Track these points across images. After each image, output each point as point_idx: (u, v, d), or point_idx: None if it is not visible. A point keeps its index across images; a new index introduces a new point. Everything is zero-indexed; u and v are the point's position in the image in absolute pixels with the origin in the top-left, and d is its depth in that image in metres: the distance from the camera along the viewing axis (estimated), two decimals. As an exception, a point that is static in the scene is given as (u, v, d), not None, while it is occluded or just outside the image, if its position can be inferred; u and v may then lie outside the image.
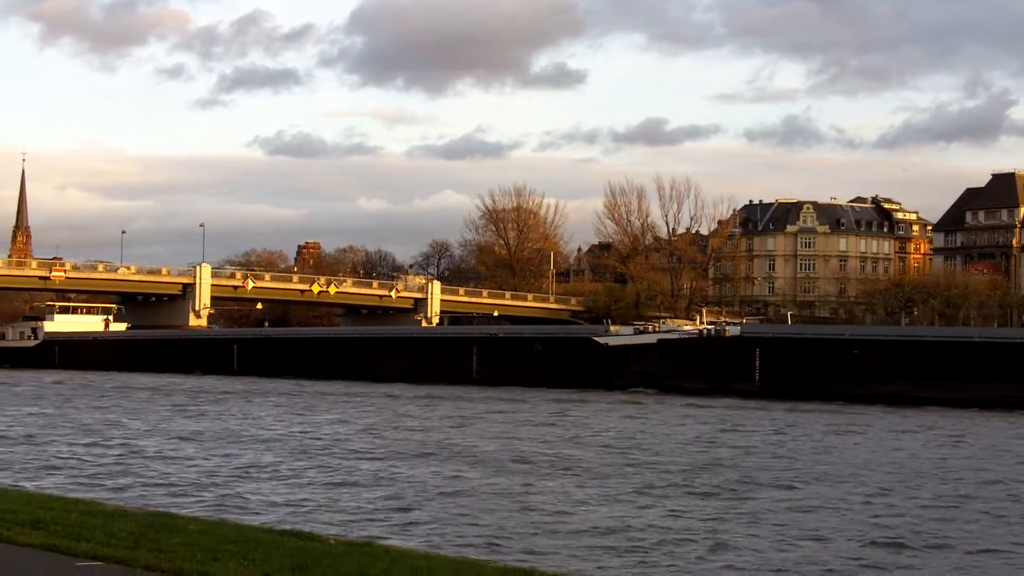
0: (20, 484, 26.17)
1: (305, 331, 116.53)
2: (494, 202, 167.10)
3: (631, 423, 48.52)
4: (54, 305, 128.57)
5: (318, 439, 38.52)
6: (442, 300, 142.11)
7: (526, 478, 28.55)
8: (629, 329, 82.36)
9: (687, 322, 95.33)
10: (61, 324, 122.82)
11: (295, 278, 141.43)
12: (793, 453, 36.58)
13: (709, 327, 78.34)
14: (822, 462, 34.21)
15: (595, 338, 78.08)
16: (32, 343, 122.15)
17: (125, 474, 29.14)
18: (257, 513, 23.06)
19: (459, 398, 62.62)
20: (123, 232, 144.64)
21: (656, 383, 71.06)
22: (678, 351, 73.72)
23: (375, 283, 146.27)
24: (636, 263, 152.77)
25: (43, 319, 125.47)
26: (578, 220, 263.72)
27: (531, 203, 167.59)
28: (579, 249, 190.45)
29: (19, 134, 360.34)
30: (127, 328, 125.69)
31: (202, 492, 25.99)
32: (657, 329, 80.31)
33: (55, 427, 42.02)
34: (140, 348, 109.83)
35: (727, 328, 76.68)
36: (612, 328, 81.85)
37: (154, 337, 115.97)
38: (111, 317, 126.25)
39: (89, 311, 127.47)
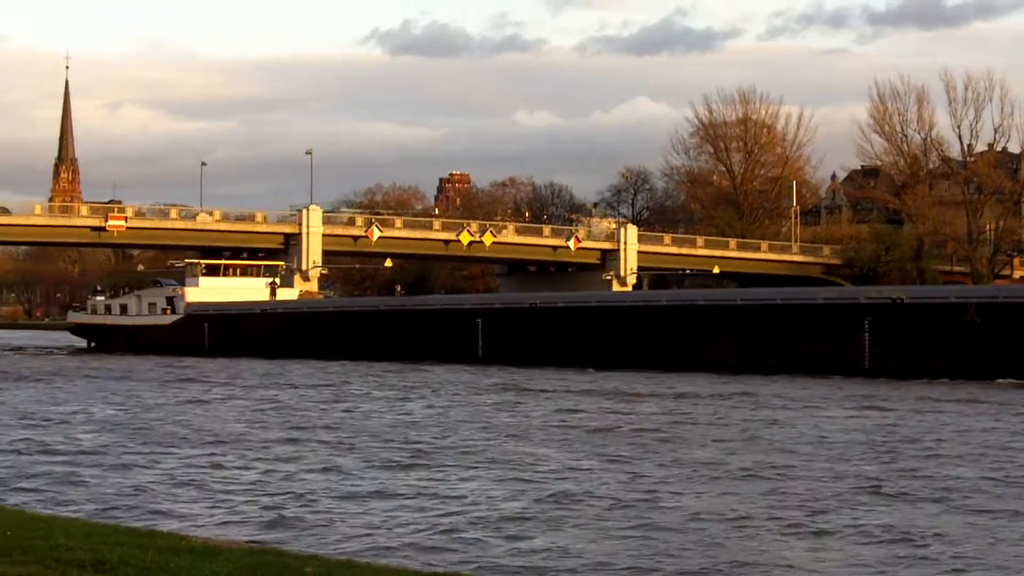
0: (67, 507, 25.94)
1: (588, 297, 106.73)
2: (710, 112, 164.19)
3: None
4: (197, 264, 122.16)
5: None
6: (640, 252, 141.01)
7: None
8: None
9: None
10: (209, 291, 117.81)
11: (436, 224, 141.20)
12: None
13: None
14: None
15: None
16: (170, 319, 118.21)
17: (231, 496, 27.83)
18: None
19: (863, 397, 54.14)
20: (203, 164, 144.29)
21: None
22: None
23: (546, 229, 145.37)
24: (916, 195, 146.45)
25: (181, 284, 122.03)
26: (828, 136, 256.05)
27: (763, 113, 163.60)
28: (833, 177, 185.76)
29: (60, 33, 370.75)
30: (301, 296, 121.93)
31: (315, 520, 24.68)
32: None
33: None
34: (332, 325, 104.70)
35: None
36: None
37: (347, 309, 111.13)
38: (277, 280, 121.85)
39: (246, 272, 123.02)
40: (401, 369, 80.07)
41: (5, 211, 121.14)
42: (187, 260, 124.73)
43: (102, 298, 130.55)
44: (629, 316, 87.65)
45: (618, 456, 34.69)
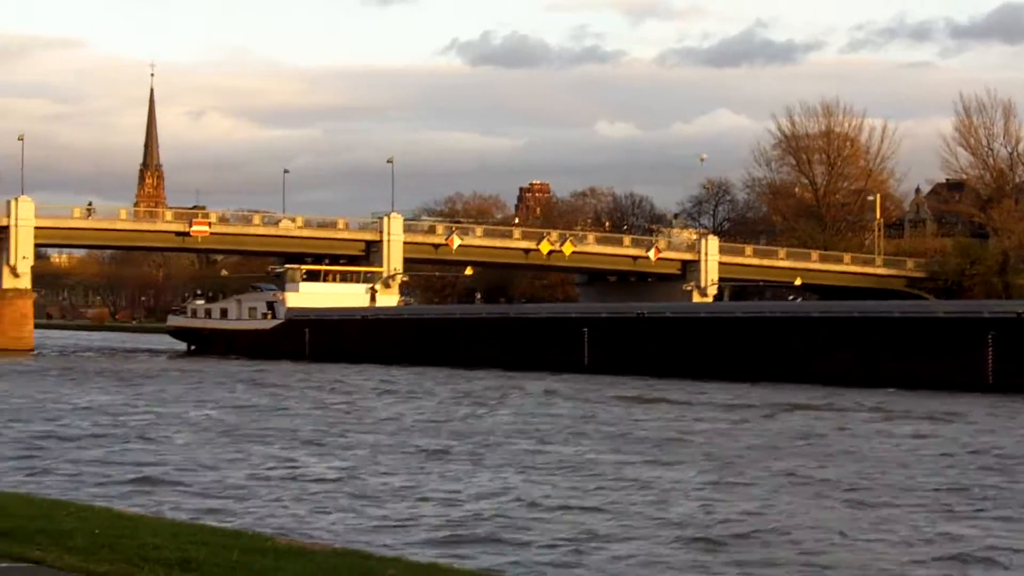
0: (156, 506, 26.62)
1: (696, 307, 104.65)
2: (793, 125, 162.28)
3: None
4: (297, 269, 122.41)
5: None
6: (720, 263, 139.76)
7: None
8: None
9: None
10: (309, 296, 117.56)
11: (516, 233, 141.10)
12: None
13: None
14: None
15: None
16: (270, 324, 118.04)
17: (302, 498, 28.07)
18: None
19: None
20: (285, 172, 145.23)
21: None
22: None
23: (626, 239, 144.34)
24: (1002, 209, 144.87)
25: (279, 289, 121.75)
26: (912, 149, 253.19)
27: (846, 125, 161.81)
28: (917, 191, 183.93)
29: (145, 41, 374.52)
30: (400, 303, 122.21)
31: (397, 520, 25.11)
32: None
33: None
34: (433, 332, 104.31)
35: None
36: None
37: (450, 316, 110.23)
38: (377, 287, 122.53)
39: (346, 278, 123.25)
40: (507, 376, 78.95)
41: (92, 211, 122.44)
42: (287, 266, 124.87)
43: (202, 302, 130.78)
44: (738, 327, 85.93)
45: (724, 465, 34.70)
